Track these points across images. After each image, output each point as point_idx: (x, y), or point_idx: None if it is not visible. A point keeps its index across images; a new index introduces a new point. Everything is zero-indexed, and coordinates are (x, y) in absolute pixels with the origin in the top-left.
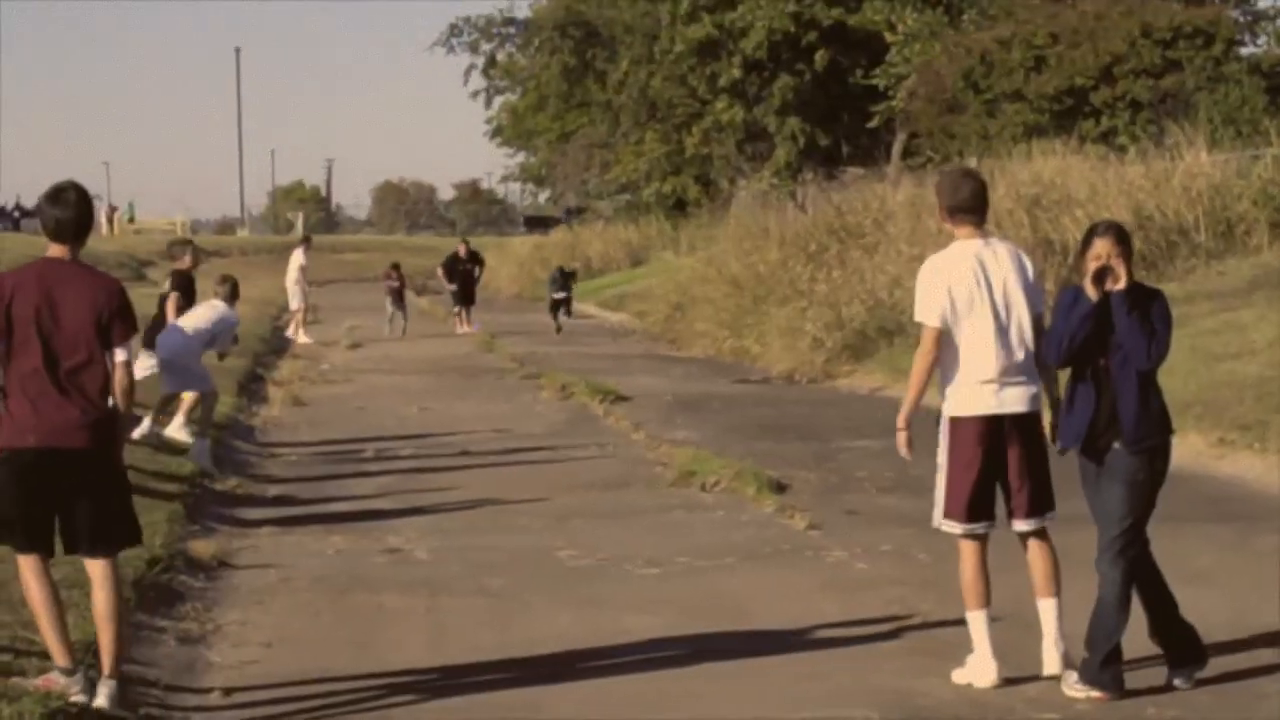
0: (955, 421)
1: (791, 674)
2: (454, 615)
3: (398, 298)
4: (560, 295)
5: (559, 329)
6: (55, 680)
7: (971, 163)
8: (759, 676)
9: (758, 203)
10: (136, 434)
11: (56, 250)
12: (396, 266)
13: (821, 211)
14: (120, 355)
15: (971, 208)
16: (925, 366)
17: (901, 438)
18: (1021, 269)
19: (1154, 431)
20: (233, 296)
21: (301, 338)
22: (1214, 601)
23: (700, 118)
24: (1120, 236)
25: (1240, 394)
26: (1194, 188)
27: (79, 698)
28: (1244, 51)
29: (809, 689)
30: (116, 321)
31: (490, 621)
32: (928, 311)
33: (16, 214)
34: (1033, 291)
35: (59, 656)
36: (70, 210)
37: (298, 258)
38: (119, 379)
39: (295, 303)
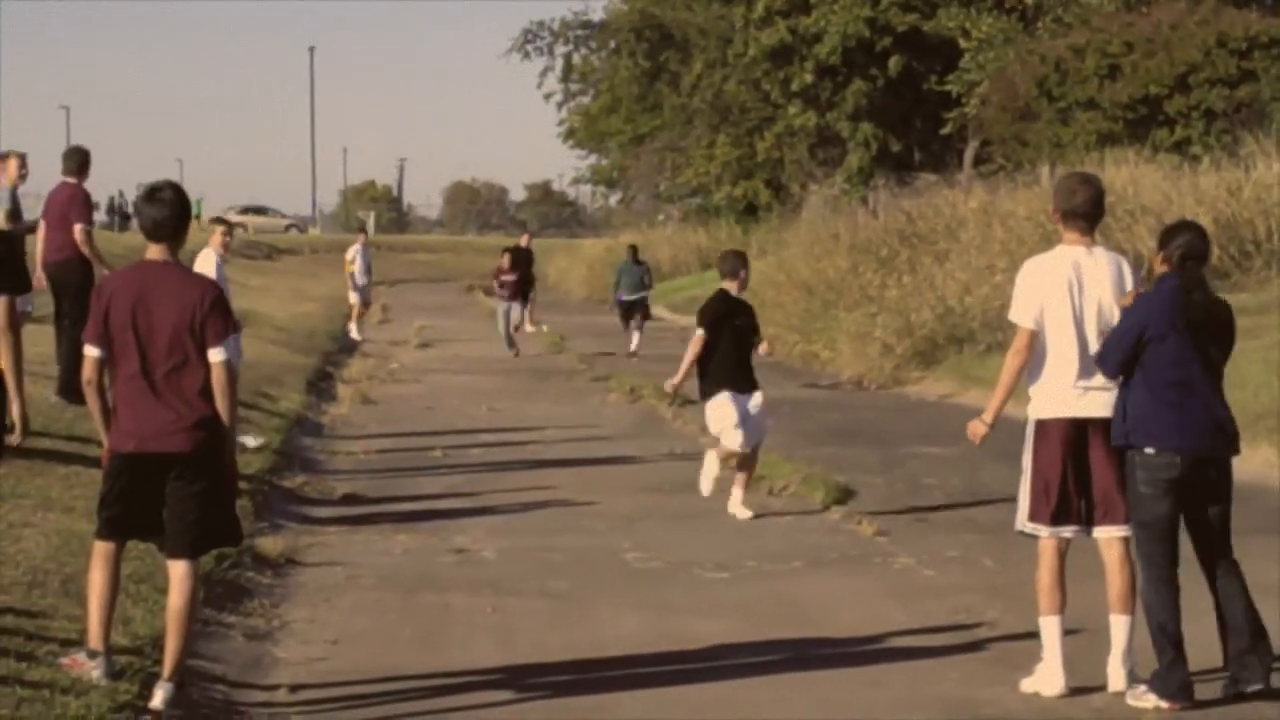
0: (1040, 424)
1: (857, 681)
2: (520, 616)
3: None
4: (634, 296)
5: (633, 352)
6: (81, 661)
7: (1044, 171)
8: (825, 683)
9: (829, 208)
10: None
11: (154, 251)
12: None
13: (892, 217)
14: (217, 355)
15: (1084, 214)
16: (1016, 366)
17: (979, 426)
18: (1119, 278)
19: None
20: None
21: (353, 333)
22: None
23: (773, 122)
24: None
25: None
26: (1268, 198)
27: (101, 681)
28: None
29: (874, 696)
30: (211, 321)
31: (556, 623)
32: (1022, 312)
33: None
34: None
35: (93, 639)
36: (166, 209)
37: (350, 252)
38: (217, 379)
39: (352, 297)
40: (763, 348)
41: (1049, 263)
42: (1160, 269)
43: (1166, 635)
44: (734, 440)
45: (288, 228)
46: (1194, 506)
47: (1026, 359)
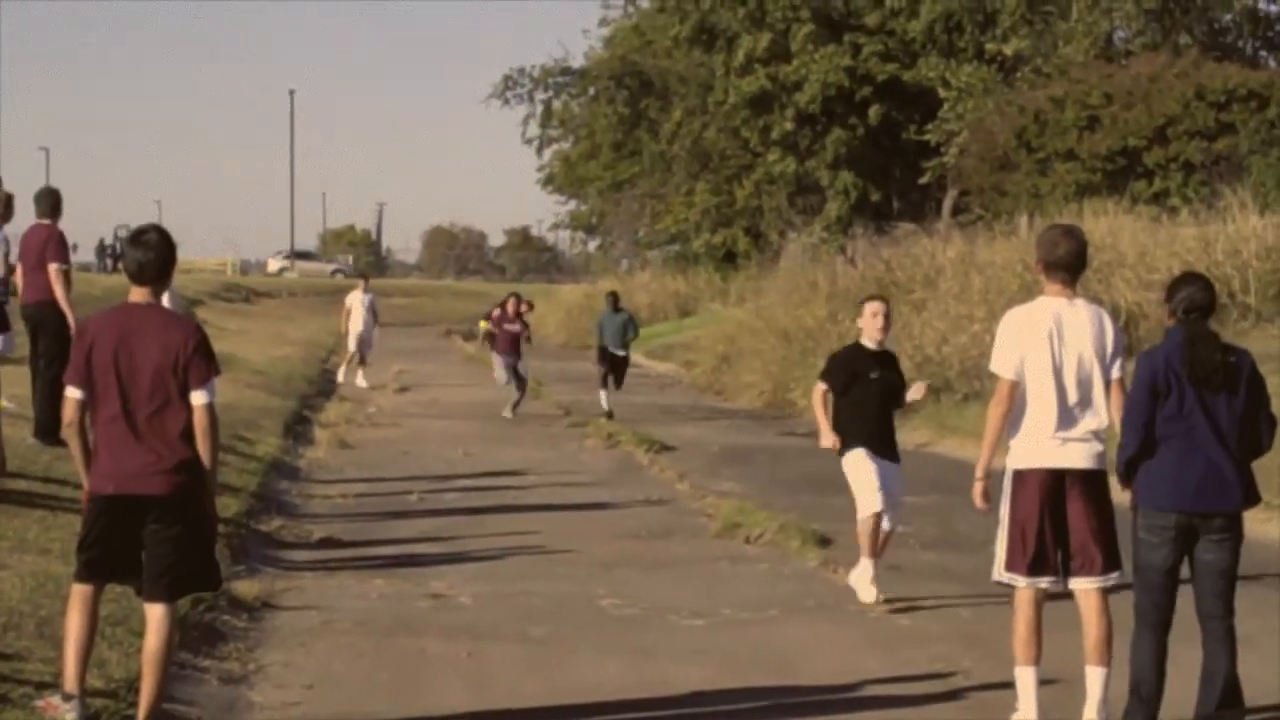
0: (1018, 474)
1: None
2: (496, 662)
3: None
4: (620, 351)
5: (609, 414)
6: (56, 704)
7: (1022, 221)
8: None
9: (807, 256)
10: None
11: (137, 294)
12: (516, 297)
13: (871, 266)
14: (200, 398)
15: (1066, 265)
16: (999, 416)
17: (978, 488)
18: (1100, 330)
19: None
20: None
21: (343, 377)
22: (1257, 666)
23: (752, 169)
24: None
25: None
26: (1245, 250)
27: None
28: None
29: None
30: (195, 363)
31: (533, 669)
32: (1003, 363)
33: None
34: (1111, 354)
35: (69, 681)
36: (151, 252)
37: (350, 299)
38: (199, 421)
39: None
40: (914, 392)
41: (1030, 313)
42: (1167, 323)
43: (1140, 687)
44: (873, 502)
45: (333, 273)
46: (1196, 561)
47: (1008, 409)
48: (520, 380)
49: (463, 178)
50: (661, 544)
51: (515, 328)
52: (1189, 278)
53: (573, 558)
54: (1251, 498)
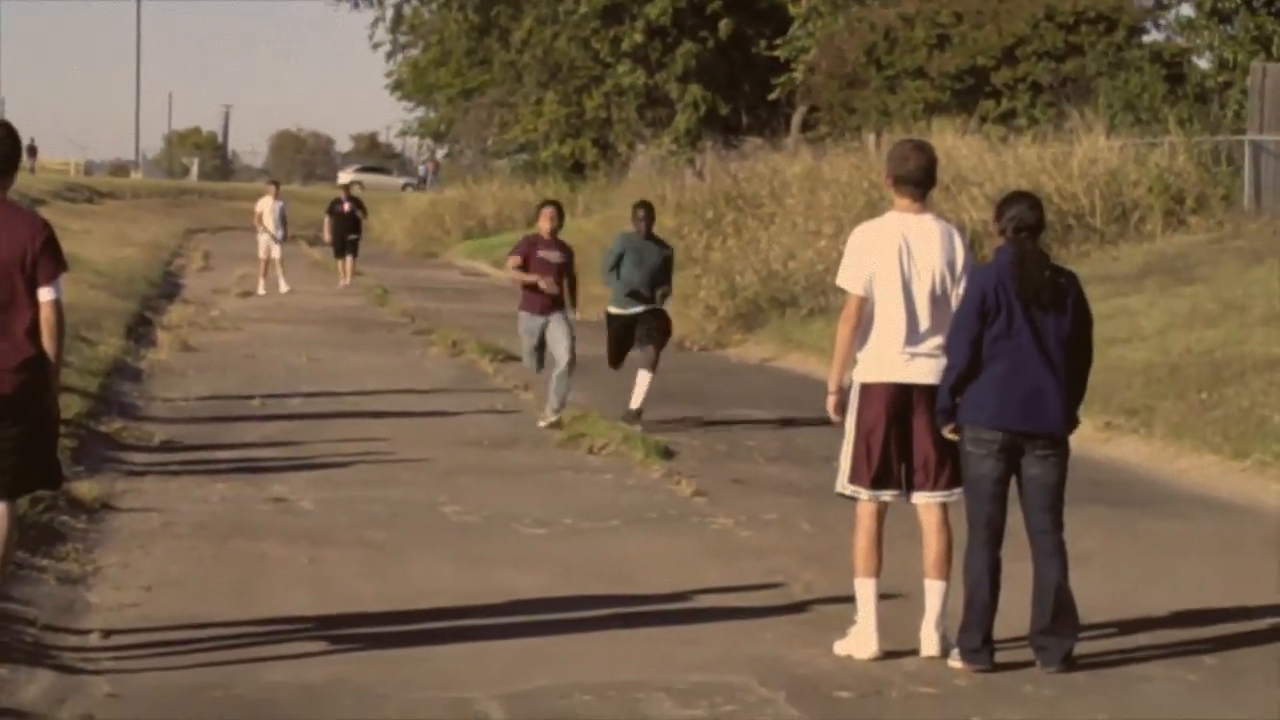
0: (864, 387)
1: (671, 638)
2: (337, 566)
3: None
4: (640, 307)
5: (637, 410)
6: None
7: (870, 138)
8: (639, 640)
9: (656, 168)
10: None
11: None
12: (555, 207)
13: (719, 180)
14: (47, 295)
15: (916, 180)
16: (848, 332)
17: (831, 401)
18: (950, 245)
19: None
20: None
21: (263, 289)
22: (1096, 584)
23: (601, 81)
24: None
25: (1128, 379)
26: (1091, 172)
27: None
28: (1146, 39)
29: (689, 654)
30: (43, 260)
31: (373, 574)
32: (851, 279)
33: None
34: (960, 270)
35: None
36: None
37: (260, 205)
38: (46, 318)
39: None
40: None
41: (879, 228)
42: (997, 241)
43: (974, 598)
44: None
45: (404, 186)
46: (1023, 476)
47: (857, 324)
48: (569, 358)
49: (311, 82)
50: (505, 453)
51: (555, 255)
52: (1017, 196)
53: (415, 465)
54: (1072, 422)
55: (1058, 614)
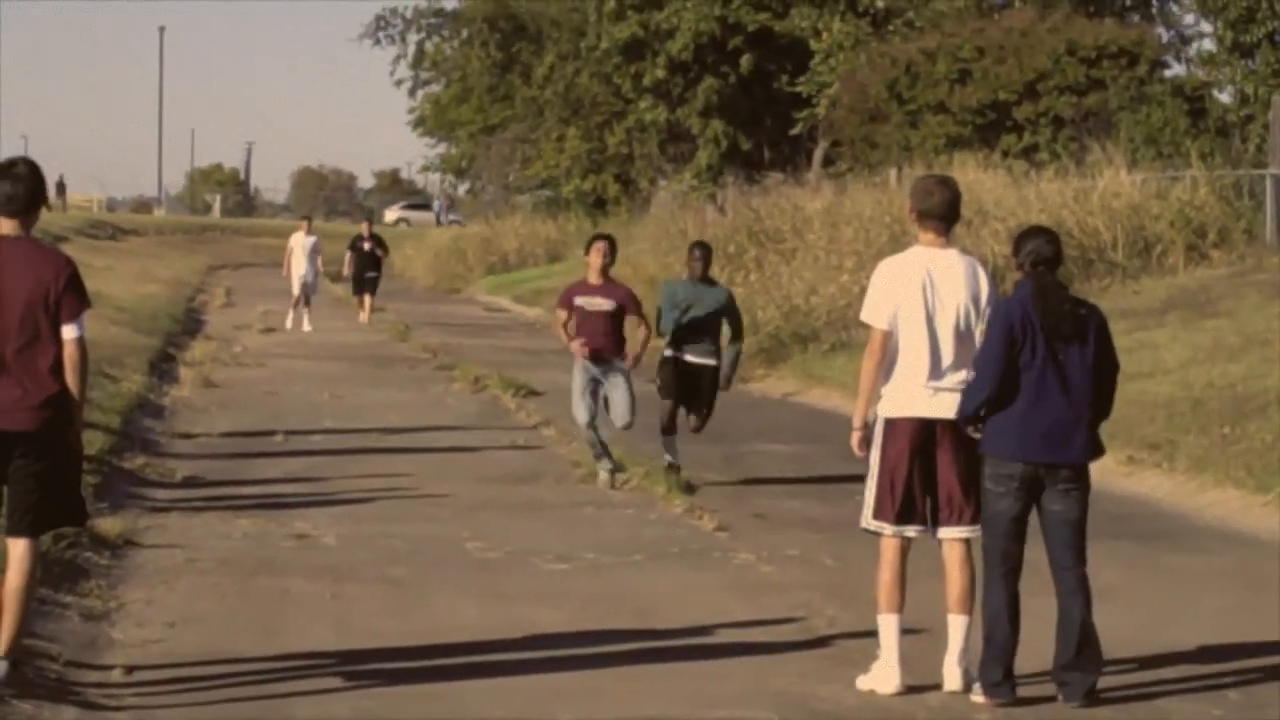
0: (889, 423)
1: (694, 674)
2: (360, 602)
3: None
4: (703, 359)
5: (674, 466)
6: None
7: (891, 173)
8: (662, 675)
9: (677, 203)
10: None
11: (7, 226)
12: (607, 242)
13: (740, 215)
14: (71, 332)
15: (940, 214)
16: (872, 367)
17: (856, 437)
18: (974, 280)
19: None
20: None
21: (290, 324)
22: (1118, 618)
23: (623, 116)
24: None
25: (1151, 413)
26: (1113, 206)
27: None
28: (1167, 73)
29: (711, 689)
30: (66, 298)
31: (396, 610)
32: (876, 314)
33: None
34: (984, 304)
35: None
36: (20, 185)
37: (294, 240)
38: (70, 355)
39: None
40: None
41: (904, 263)
42: (1016, 275)
43: (994, 633)
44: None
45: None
46: (1044, 512)
47: (881, 359)
48: (629, 419)
49: (333, 118)
50: (527, 488)
51: (602, 302)
52: (1035, 231)
53: (438, 501)
54: (1096, 450)
55: (1081, 649)
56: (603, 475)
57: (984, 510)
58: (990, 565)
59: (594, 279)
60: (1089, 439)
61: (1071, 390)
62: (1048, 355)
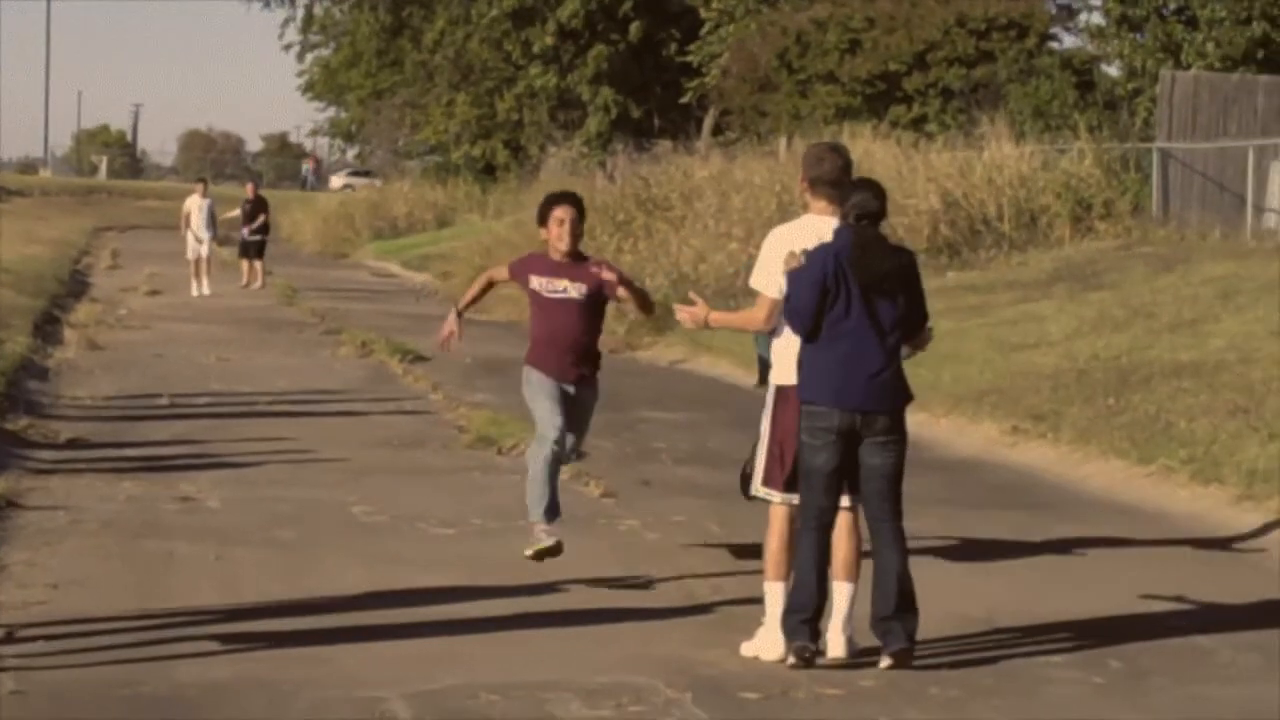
0: (780, 390)
1: (579, 639)
2: (244, 565)
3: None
4: None
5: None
6: None
7: (781, 142)
8: (546, 640)
9: (567, 170)
10: None
11: None
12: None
13: (630, 183)
14: None
15: (831, 181)
16: (758, 323)
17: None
18: None
19: None
20: None
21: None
22: (1001, 587)
23: (513, 83)
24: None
25: (1036, 384)
26: (999, 178)
27: None
28: (1056, 46)
29: (596, 654)
30: None
31: (280, 573)
32: (767, 280)
33: None
34: None
35: None
36: None
37: (188, 203)
38: None
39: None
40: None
41: (795, 231)
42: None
43: (797, 589)
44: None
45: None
46: (862, 466)
47: (769, 326)
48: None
49: (221, 81)
50: (414, 453)
51: (574, 288)
52: (862, 183)
53: (324, 465)
54: (907, 396)
55: (900, 602)
56: (544, 540)
57: (800, 465)
58: (804, 519)
59: (558, 256)
60: (901, 387)
61: (885, 340)
62: (863, 307)
